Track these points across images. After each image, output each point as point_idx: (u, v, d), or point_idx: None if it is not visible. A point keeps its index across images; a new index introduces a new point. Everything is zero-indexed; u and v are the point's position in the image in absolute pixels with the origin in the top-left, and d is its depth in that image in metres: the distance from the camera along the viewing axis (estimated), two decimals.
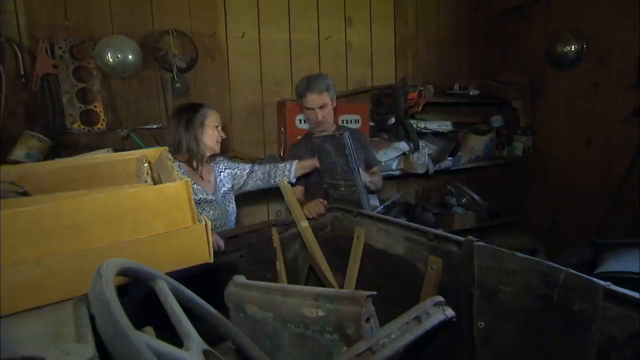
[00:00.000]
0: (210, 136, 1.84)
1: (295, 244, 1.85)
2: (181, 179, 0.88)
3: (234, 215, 1.98)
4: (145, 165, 1.05)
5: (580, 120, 3.03)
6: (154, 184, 0.96)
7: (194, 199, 1.76)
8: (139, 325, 0.78)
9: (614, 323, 0.83)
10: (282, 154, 2.60)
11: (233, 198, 2.01)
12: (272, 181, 2.00)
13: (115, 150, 2.07)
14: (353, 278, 1.66)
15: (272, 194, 2.59)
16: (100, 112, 2.34)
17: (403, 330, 0.60)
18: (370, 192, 2.48)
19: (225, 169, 2.00)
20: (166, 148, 1.18)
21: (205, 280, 1.24)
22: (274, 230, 1.78)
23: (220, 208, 1.87)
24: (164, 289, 0.81)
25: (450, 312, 0.67)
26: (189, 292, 0.90)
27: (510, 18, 3.46)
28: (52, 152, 2.20)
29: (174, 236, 0.86)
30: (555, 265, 0.97)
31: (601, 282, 0.87)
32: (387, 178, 2.93)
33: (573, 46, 3.00)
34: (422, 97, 2.82)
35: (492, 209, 3.26)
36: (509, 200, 3.52)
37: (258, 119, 2.86)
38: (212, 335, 0.89)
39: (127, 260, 0.71)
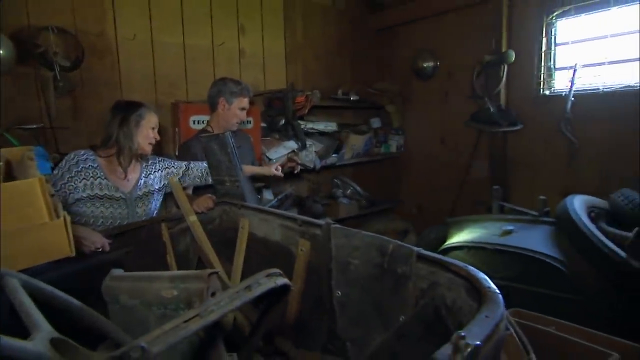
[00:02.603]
0: (145, 136, 1.76)
1: (186, 237, 1.82)
2: (35, 177, 0.82)
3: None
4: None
5: (436, 122, 3.46)
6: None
7: (97, 193, 1.68)
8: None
9: (422, 278, 1.00)
10: (176, 153, 2.51)
11: (155, 200, 1.91)
12: (210, 179, 1.95)
13: None
14: (239, 266, 1.69)
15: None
16: None
17: (232, 298, 0.65)
18: (264, 186, 2.54)
19: (157, 170, 1.90)
20: (30, 147, 1.08)
21: (91, 278, 1.17)
22: (164, 226, 1.74)
23: (128, 207, 1.78)
24: (13, 285, 0.76)
25: (281, 281, 0.73)
26: (48, 288, 0.85)
27: (383, 35, 3.80)
28: None
29: (27, 233, 0.81)
30: (387, 238, 1.12)
31: (415, 248, 1.03)
32: None
33: (430, 62, 3.41)
34: (308, 100, 2.96)
35: (371, 198, 3.55)
36: (385, 190, 3.86)
37: None
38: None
39: None
